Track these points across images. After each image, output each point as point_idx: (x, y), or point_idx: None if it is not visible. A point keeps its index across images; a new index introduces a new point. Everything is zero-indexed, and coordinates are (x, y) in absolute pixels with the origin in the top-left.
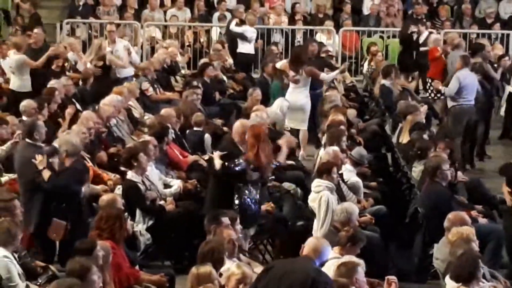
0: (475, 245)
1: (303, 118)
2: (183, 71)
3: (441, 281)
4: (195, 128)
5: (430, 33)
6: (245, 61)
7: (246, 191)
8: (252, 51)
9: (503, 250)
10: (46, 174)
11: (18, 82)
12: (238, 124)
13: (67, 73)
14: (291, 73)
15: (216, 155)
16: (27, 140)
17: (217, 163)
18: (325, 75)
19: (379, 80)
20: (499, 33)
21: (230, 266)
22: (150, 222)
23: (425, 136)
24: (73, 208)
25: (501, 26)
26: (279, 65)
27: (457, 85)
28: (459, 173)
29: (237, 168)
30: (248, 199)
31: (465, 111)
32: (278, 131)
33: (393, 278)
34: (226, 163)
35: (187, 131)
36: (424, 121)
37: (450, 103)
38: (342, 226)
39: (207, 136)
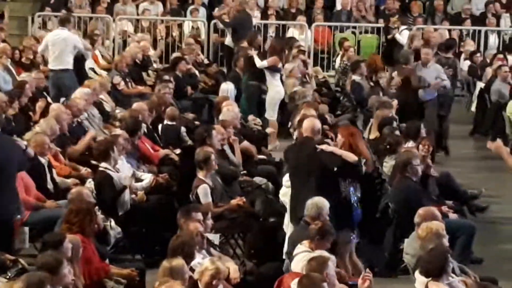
0: (445, 240)
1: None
2: (155, 65)
3: (411, 276)
4: (168, 122)
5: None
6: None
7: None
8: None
9: (472, 245)
10: None
11: None
12: (310, 124)
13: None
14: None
15: (334, 148)
16: None
17: (350, 156)
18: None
19: (350, 76)
20: (471, 29)
21: (202, 260)
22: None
23: (396, 131)
24: None
25: (472, 23)
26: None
27: None
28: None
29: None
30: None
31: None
32: (250, 126)
33: (368, 274)
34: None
35: (161, 125)
36: (395, 115)
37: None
38: (312, 221)
39: (183, 129)
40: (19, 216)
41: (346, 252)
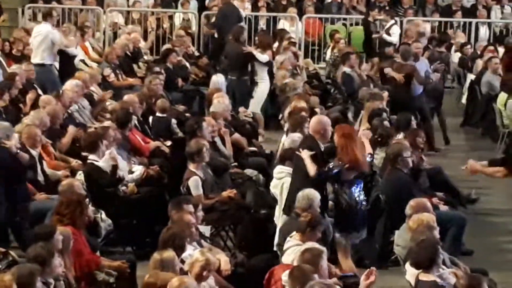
0: (436, 232)
1: None
2: (145, 57)
3: (402, 267)
4: (159, 114)
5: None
6: None
7: (346, 192)
8: None
9: (463, 237)
10: None
11: None
12: (315, 121)
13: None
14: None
15: (307, 157)
16: None
17: (311, 169)
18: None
19: (341, 68)
20: (462, 21)
21: (192, 252)
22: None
23: (386, 123)
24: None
25: (463, 14)
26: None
27: None
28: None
29: (333, 172)
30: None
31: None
32: (239, 118)
33: (373, 268)
34: (321, 169)
35: (151, 117)
36: (385, 107)
37: None
38: (303, 212)
39: (174, 121)
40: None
41: None
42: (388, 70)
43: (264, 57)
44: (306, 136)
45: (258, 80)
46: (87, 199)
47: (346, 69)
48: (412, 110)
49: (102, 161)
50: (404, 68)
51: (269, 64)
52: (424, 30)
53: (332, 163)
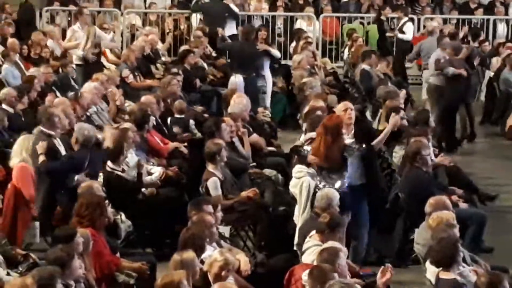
0: (456, 230)
1: None
2: (163, 59)
3: (422, 266)
4: (177, 115)
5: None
6: None
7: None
8: None
9: (483, 235)
10: (41, 158)
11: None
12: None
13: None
14: None
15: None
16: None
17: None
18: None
19: (360, 65)
20: (480, 18)
21: (211, 252)
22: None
23: (404, 121)
24: (66, 194)
25: (482, 12)
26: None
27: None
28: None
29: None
30: None
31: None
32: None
33: (389, 265)
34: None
35: (169, 118)
36: (403, 106)
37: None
38: (323, 212)
39: (192, 122)
40: None
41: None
42: None
43: (277, 52)
44: None
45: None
46: (107, 201)
47: (365, 66)
48: None
49: (129, 168)
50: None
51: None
52: (431, 28)
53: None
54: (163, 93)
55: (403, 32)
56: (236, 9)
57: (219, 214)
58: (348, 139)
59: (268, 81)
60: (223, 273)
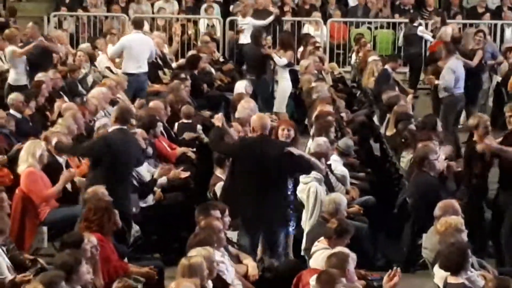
0: (464, 235)
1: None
2: (173, 65)
3: (430, 271)
4: (185, 120)
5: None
6: None
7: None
8: None
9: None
10: None
11: (13, 76)
12: None
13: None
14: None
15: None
16: None
17: None
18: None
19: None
20: (487, 23)
21: (220, 258)
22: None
23: (412, 126)
24: None
25: (489, 17)
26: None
27: (452, 76)
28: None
29: None
30: None
31: (458, 99)
32: None
33: (396, 269)
34: None
35: (177, 123)
36: (411, 111)
37: (443, 94)
38: (330, 217)
39: (199, 127)
40: (134, 209)
41: None
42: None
43: (282, 60)
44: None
45: (278, 79)
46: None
47: (387, 67)
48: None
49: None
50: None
51: (290, 65)
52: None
53: None
54: (171, 98)
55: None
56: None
57: (227, 219)
58: None
59: (282, 84)
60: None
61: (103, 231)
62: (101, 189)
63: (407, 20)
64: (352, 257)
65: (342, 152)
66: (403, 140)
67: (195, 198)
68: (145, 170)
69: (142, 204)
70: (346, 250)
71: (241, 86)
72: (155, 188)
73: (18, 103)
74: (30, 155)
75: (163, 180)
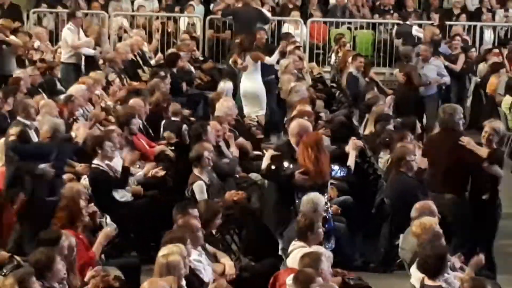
0: (439, 235)
1: (260, 105)
2: (152, 62)
3: (407, 271)
4: (172, 118)
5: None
6: None
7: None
8: None
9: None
10: (11, 138)
11: None
12: (294, 125)
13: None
14: (239, 61)
15: (268, 154)
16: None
17: (264, 163)
18: (269, 58)
19: (347, 70)
20: (466, 24)
21: (197, 257)
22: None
23: (390, 127)
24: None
25: (468, 18)
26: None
27: None
28: None
29: (282, 173)
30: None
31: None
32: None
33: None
34: (272, 167)
35: (164, 121)
36: (390, 112)
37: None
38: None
39: (185, 127)
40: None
41: None
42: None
43: (271, 59)
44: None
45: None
46: (93, 203)
47: (352, 69)
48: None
49: (118, 171)
50: (404, 69)
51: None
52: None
53: (287, 166)
54: (157, 96)
55: None
56: (268, 14)
57: (219, 221)
58: None
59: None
60: None
61: (74, 226)
62: (78, 186)
63: (386, 21)
64: (327, 255)
65: None
66: (381, 141)
67: (173, 197)
68: (119, 164)
69: (120, 199)
70: (321, 249)
71: (224, 86)
72: (133, 185)
73: None
74: (2, 153)
75: (138, 176)
